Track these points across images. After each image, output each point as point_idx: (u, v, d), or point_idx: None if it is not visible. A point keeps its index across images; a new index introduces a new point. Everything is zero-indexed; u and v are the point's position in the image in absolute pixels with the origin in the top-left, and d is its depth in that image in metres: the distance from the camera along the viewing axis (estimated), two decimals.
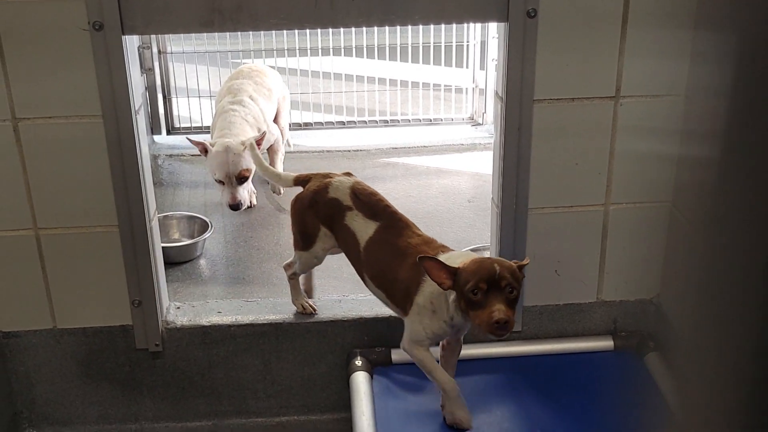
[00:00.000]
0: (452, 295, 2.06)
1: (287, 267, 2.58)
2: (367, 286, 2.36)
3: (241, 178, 3.29)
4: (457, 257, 2.11)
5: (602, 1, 2.19)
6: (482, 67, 4.29)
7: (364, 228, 2.29)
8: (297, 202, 2.45)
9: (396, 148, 4.09)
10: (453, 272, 2.00)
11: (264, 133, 3.33)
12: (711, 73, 0.44)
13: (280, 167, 3.59)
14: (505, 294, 1.94)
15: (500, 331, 1.93)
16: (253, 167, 3.29)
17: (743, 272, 0.45)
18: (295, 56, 4.23)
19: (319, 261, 2.49)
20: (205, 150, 3.29)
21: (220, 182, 3.31)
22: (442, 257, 2.08)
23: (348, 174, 2.44)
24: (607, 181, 2.37)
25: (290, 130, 4.18)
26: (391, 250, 2.23)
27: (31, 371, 2.51)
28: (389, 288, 2.26)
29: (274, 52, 4.32)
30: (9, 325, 2.45)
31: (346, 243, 2.35)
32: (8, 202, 2.29)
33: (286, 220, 3.40)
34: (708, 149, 0.44)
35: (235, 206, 3.32)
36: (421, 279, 2.12)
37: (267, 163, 2.64)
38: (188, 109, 4.24)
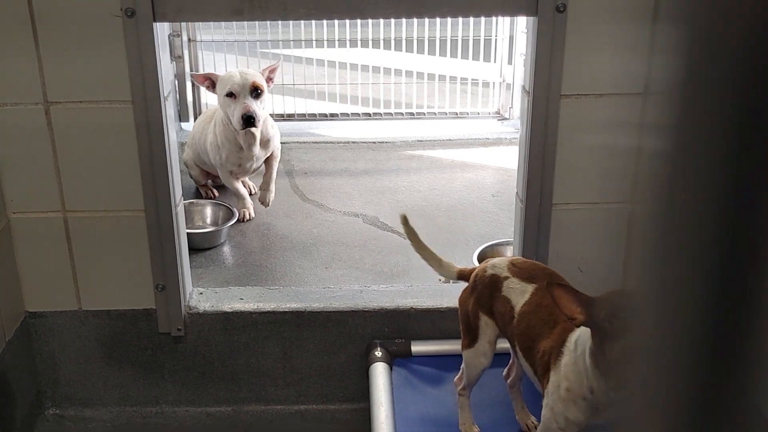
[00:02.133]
0: (588, 343, 1.73)
1: (458, 381, 2.20)
2: (520, 363, 2.01)
3: (255, 90, 3.06)
4: None
5: None
6: (510, 61, 4.29)
7: (520, 293, 1.95)
8: (461, 294, 2.12)
9: (421, 141, 4.10)
10: (587, 302, 1.68)
11: (280, 60, 3.17)
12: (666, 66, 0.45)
13: (275, 174, 3.41)
14: None
15: None
16: (266, 86, 3.11)
17: (689, 268, 0.47)
18: (323, 47, 4.25)
19: (487, 360, 2.07)
20: (212, 83, 3.12)
21: (230, 96, 3.07)
22: None
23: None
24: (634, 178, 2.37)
25: (317, 120, 4.23)
26: (543, 315, 1.88)
27: (55, 351, 2.54)
28: (533, 360, 1.89)
29: (302, 42, 4.33)
30: (35, 305, 2.48)
31: (504, 317, 1.98)
32: (38, 184, 2.32)
33: (311, 210, 3.43)
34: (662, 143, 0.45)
35: (248, 117, 3.01)
36: (561, 350, 1.81)
37: (424, 243, 2.19)
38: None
